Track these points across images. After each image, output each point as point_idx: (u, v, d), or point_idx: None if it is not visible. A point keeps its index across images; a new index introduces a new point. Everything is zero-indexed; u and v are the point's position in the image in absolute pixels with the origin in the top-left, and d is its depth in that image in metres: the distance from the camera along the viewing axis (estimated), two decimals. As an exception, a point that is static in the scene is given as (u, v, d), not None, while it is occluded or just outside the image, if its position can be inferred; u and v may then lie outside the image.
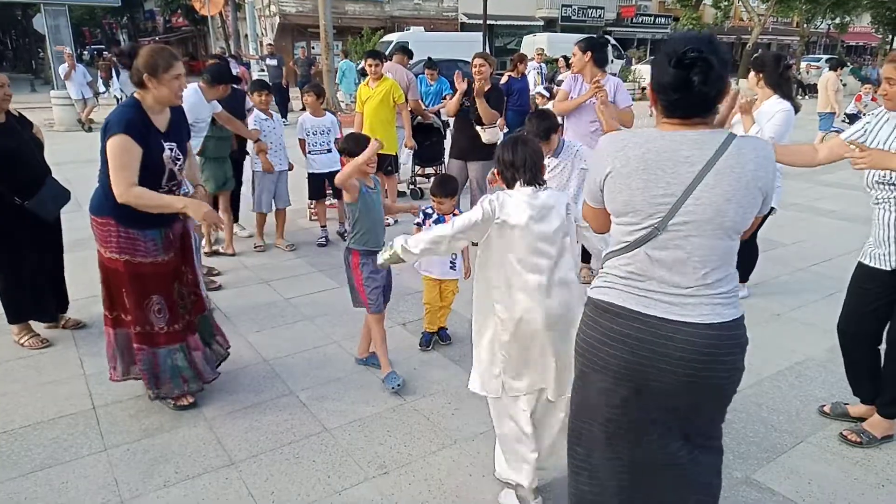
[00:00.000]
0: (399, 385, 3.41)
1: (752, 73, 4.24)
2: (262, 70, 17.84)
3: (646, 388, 1.77)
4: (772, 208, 4.35)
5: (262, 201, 5.76)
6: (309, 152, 5.96)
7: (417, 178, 7.96)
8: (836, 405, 3.20)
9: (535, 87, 10.80)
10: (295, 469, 2.80)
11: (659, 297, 1.74)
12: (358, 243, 3.42)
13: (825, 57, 26.64)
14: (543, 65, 12.68)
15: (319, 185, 6.08)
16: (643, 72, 25.23)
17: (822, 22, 32.39)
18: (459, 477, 2.76)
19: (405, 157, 6.43)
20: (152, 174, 2.93)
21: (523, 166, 2.41)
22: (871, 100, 12.26)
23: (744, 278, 4.74)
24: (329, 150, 5.97)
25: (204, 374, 3.26)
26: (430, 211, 3.81)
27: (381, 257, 2.62)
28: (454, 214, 3.79)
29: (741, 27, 36.07)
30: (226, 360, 3.54)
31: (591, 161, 1.90)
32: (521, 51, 14.75)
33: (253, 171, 5.72)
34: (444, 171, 7.92)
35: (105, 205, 2.96)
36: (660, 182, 1.69)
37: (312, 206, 6.58)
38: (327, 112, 6.11)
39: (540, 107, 8.28)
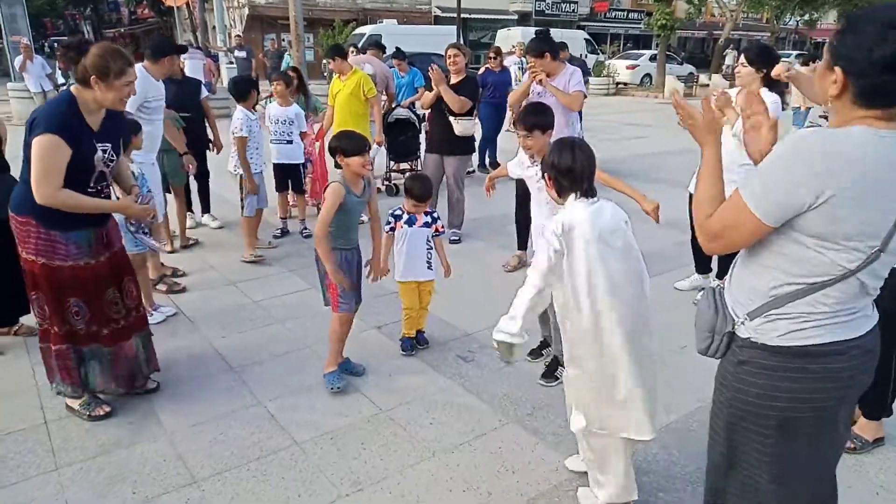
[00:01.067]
0: (340, 388, 3.26)
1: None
2: (231, 63, 17.45)
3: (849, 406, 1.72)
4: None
5: (249, 205, 5.27)
6: (270, 142, 5.78)
7: (392, 175, 7.77)
8: (826, 409, 3.12)
9: (517, 81, 10.61)
10: (262, 487, 2.61)
11: (861, 313, 1.60)
12: (329, 242, 3.24)
13: (794, 53, 27.01)
14: (523, 59, 12.35)
15: (282, 177, 5.91)
16: (617, 66, 25.33)
17: (790, 18, 32.87)
18: (438, 492, 2.60)
19: (373, 152, 6.29)
20: (81, 174, 2.73)
21: (582, 174, 2.19)
22: None
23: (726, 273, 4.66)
24: (290, 142, 5.79)
25: (111, 384, 3.07)
26: (399, 212, 3.64)
27: (505, 360, 2.37)
28: (426, 213, 3.63)
29: (713, 23, 36.44)
30: (186, 368, 3.34)
31: (786, 166, 1.47)
32: (497, 44, 14.62)
33: (234, 174, 5.43)
34: (420, 167, 7.76)
35: (26, 203, 2.75)
36: (891, 196, 1.42)
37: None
38: (294, 103, 5.91)
39: None
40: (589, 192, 2.23)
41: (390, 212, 3.68)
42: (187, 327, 4.06)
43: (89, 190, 2.80)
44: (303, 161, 6.00)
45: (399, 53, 8.66)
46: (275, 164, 5.85)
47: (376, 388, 3.37)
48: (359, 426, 3.03)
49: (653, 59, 26.11)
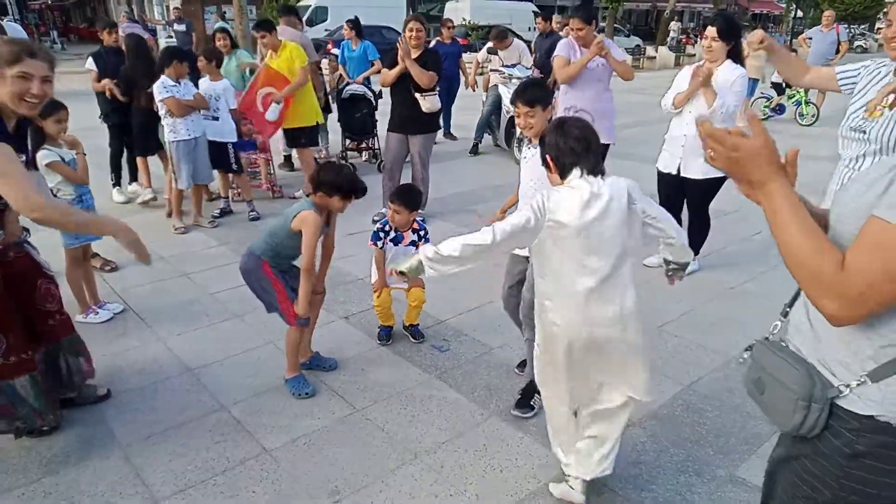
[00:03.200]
0: (307, 394, 3.04)
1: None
2: (171, 37, 16.56)
3: None
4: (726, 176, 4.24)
5: (182, 177, 5.17)
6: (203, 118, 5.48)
7: (348, 153, 7.46)
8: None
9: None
10: (232, 503, 2.40)
11: None
12: (270, 258, 3.00)
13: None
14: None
15: (212, 155, 5.57)
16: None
17: (732, -10, 33.43)
18: (424, 498, 2.44)
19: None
20: None
21: (586, 151, 2.07)
22: None
23: (695, 251, 4.62)
24: (216, 118, 5.49)
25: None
26: (388, 228, 3.45)
27: (403, 266, 2.12)
28: (413, 229, 3.44)
29: (657, -6, 36.74)
30: (138, 372, 3.06)
31: None
32: (445, 17, 14.23)
33: (169, 143, 5.12)
34: (377, 145, 7.47)
35: None
36: None
37: (234, 184, 6.08)
38: (224, 78, 5.59)
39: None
40: (596, 169, 2.08)
41: (378, 226, 3.48)
42: (137, 325, 3.75)
43: None
44: (234, 140, 5.66)
45: (356, 24, 8.02)
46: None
47: (349, 384, 3.17)
48: (333, 429, 2.83)
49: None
